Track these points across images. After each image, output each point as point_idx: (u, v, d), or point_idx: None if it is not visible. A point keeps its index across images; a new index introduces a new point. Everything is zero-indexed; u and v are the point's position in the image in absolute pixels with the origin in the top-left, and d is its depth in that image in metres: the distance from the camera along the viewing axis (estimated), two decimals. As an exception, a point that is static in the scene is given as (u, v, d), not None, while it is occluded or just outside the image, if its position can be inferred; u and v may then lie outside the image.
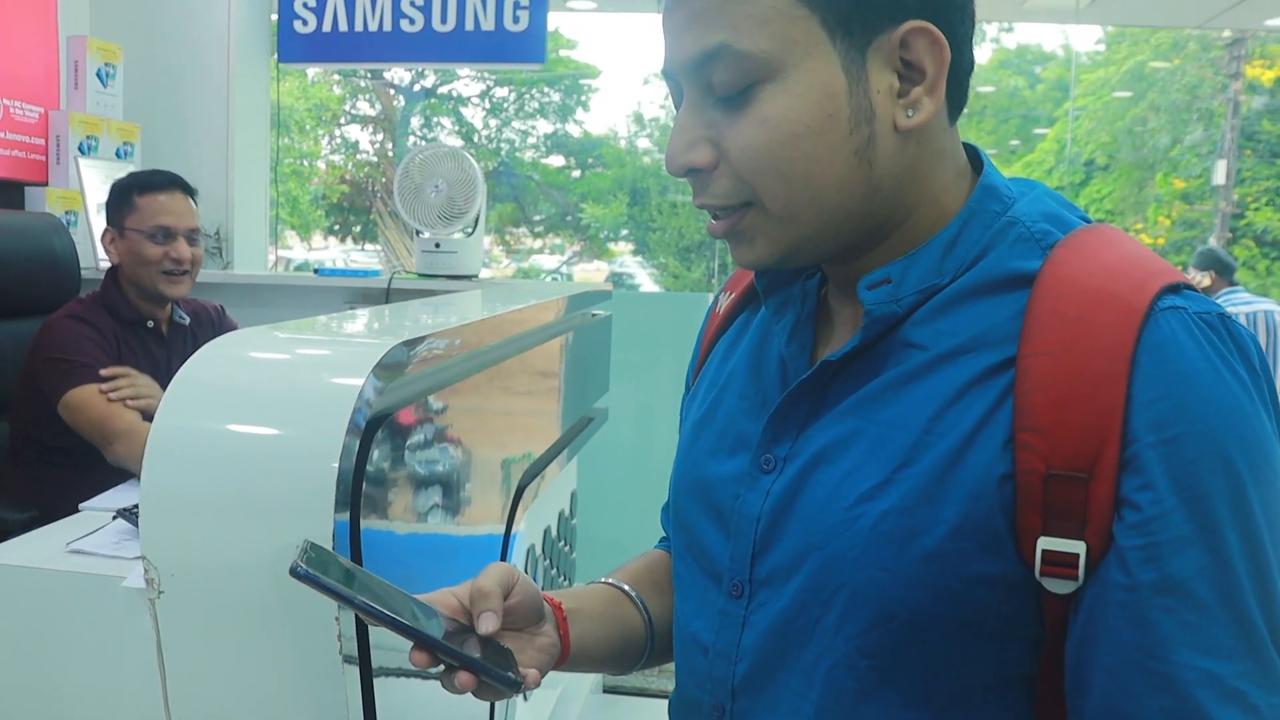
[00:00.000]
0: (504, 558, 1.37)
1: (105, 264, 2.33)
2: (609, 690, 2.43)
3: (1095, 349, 0.66)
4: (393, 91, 13.33)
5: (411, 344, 0.96)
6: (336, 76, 12.56)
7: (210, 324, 2.45)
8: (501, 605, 0.77)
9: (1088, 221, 0.76)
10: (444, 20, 3.64)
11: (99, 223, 2.56)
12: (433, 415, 1.06)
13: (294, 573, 0.68)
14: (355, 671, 0.85)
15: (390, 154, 13.12)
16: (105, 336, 2.17)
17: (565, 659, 0.86)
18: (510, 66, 3.70)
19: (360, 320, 1.24)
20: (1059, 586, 0.67)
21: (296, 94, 12.07)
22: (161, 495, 0.82)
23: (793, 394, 0.78)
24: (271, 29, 3.85)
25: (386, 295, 3.15)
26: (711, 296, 1.03)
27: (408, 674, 0.95)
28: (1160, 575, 0.63)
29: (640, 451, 3.49)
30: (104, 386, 2.06)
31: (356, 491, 0.83)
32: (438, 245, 3.11)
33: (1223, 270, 5.20)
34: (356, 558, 0.84)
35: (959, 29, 0.73)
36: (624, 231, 13.38)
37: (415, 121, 13.50)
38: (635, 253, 13.31)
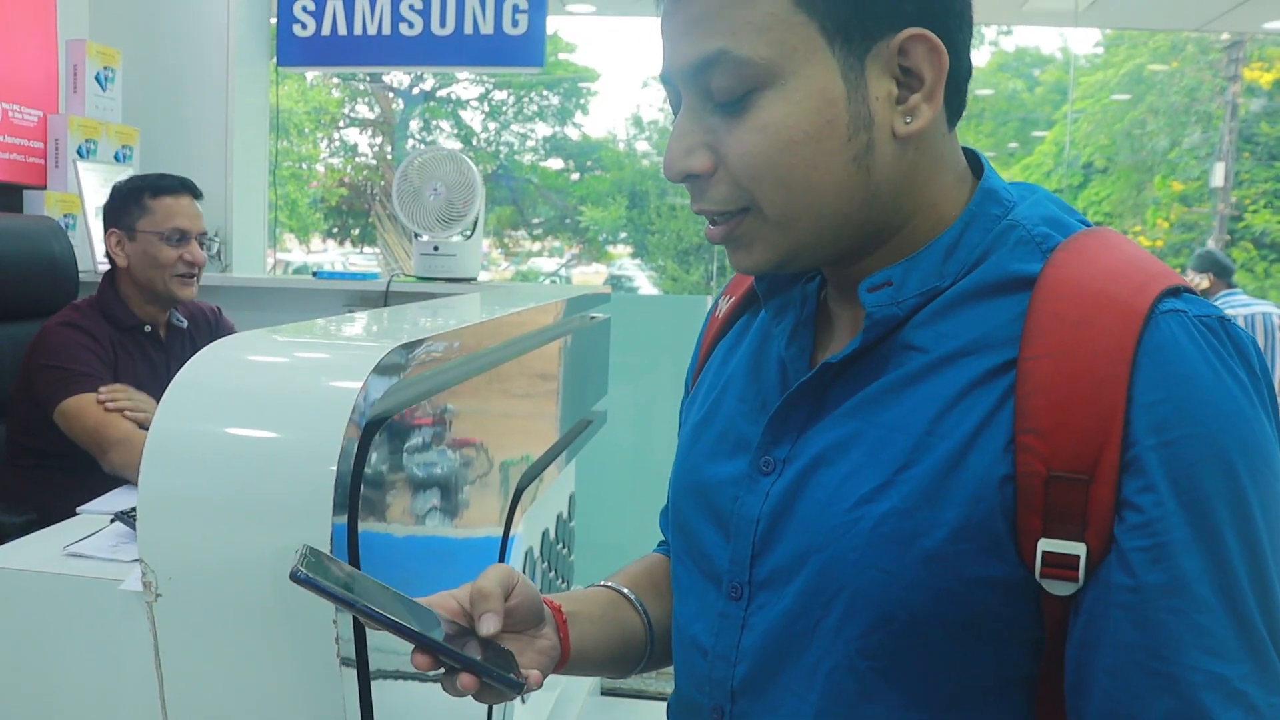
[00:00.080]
0: (502, 560, 1.37)
1: (104, 267, 2.32)
2: (607, 692, 2.43)
3: (1096, 351, 0.66)
4: (391, 95, 13.34)
5: (410, 347, 0.96)
6: (335, 80, 12.56)
7: (208, 326, 2.45)
8: (502, 606, 0.77)
9: (1087, 225, 0.77)
10: (443, 24, 3.65)
11: (98, 226, 2.56)
12: (431, 418, 1.06)
13: (294, 577, 0.68)
14: (353, 674, 0.85)
15: (389, 157, 13.12)
16: (101, 344, 2.16)
17: (565, 661, 0.86)
18: (509, 70, 3.70)
19: (358, 323, 1.24)
20: (1059, 588, 0.67)
21: (295, 97, 12.08)
22: (159, 498, 0.82)
23: (792, 396, 0.78)
24: (270, 33, 3.85)
25: (385, 298, 3.15)
26: (710, 299, 1.03)
27: (405, 676, 0.95)
28: (1166, 577, 0.64)
29: (639, 454, 3.49)
30: (101, 396, 2.06)
31: (355, 494, 0.83)
32: (436, 248, 3.12)
33: (1221, 272, 5.20)
34: (354, 560, 0.84)
35: (957, 35, 0.73)
36: (623, 234, 13.38)
37: (414, 125, 13.50)
38: (634, 255, 13.32)
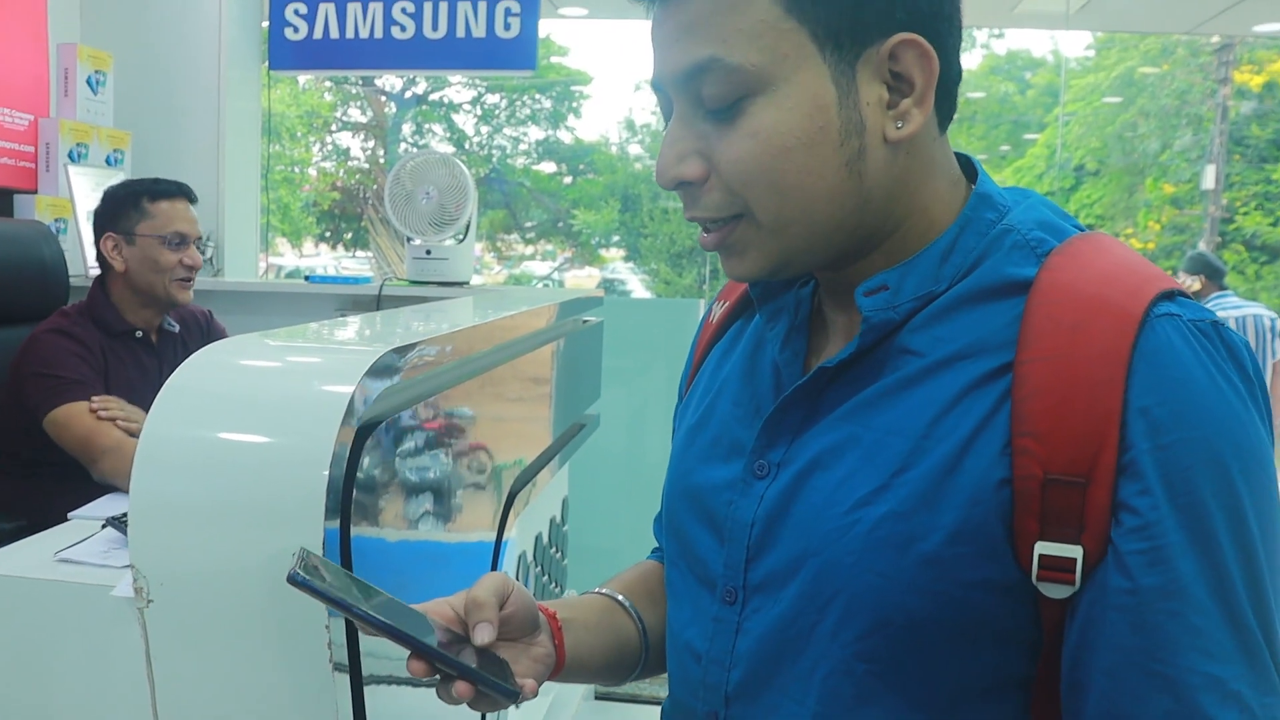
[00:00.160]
0: (495, 564, 1.37)
1: (95, 272, 2.31)
2: (601, 697, 2.43)
3: (1092, 355, 0.66)
4: (384, 98, 13.33)
5: (402, 351, 0.96)
6: (328, 83, 12.55)
7: (199, 329, 2.44)
8: (497, 615, 0.77)
9: (1081, 229, 0.77)
10: (435, 27, 3.64)
11: (89, 230, 2.55)
12: (424, 422, 1.05)
13: (292, 580, 0.67)
14: (345, 679, 0.85)
15: (382, 161, 13.11)
16: (91, 350, 2.15)
17: (560, 669, 0.86)
18: (501, 73, 3.70)
19: (351, 327, 1.24)
20: (1056, 591, 0.67)
21: (288, 101, 12.07)
22: (151, 503, 0.81)
23: (788, 400, 0.78)
24: (262, 36, 3.84)
25: (378, 302, 3.14)
26: (703, 303, 1.03)
27: (398, 681, 0.95)
28: (1163, 580, 0.64)
29: (632, 458, 3.49)
30: (94, 405, 2.05)
31: (347, 499, 0.83)
32: (429, 252, 3.11)
33: (1213, 274, 5.22)
34: (347, 565, 0.84)
35: (947, 40, 0.73)
36: (615, 238, 13.38)
37: (407, 128, 13.50)
38: (627, 259, 13.32)
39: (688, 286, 12.21)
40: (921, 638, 0.70)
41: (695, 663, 0.82)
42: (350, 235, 13.21)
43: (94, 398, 2.06)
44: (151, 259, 2.22)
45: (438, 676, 0.73)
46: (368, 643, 0.86)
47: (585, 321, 2.15)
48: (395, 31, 3.67)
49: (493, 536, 1.36)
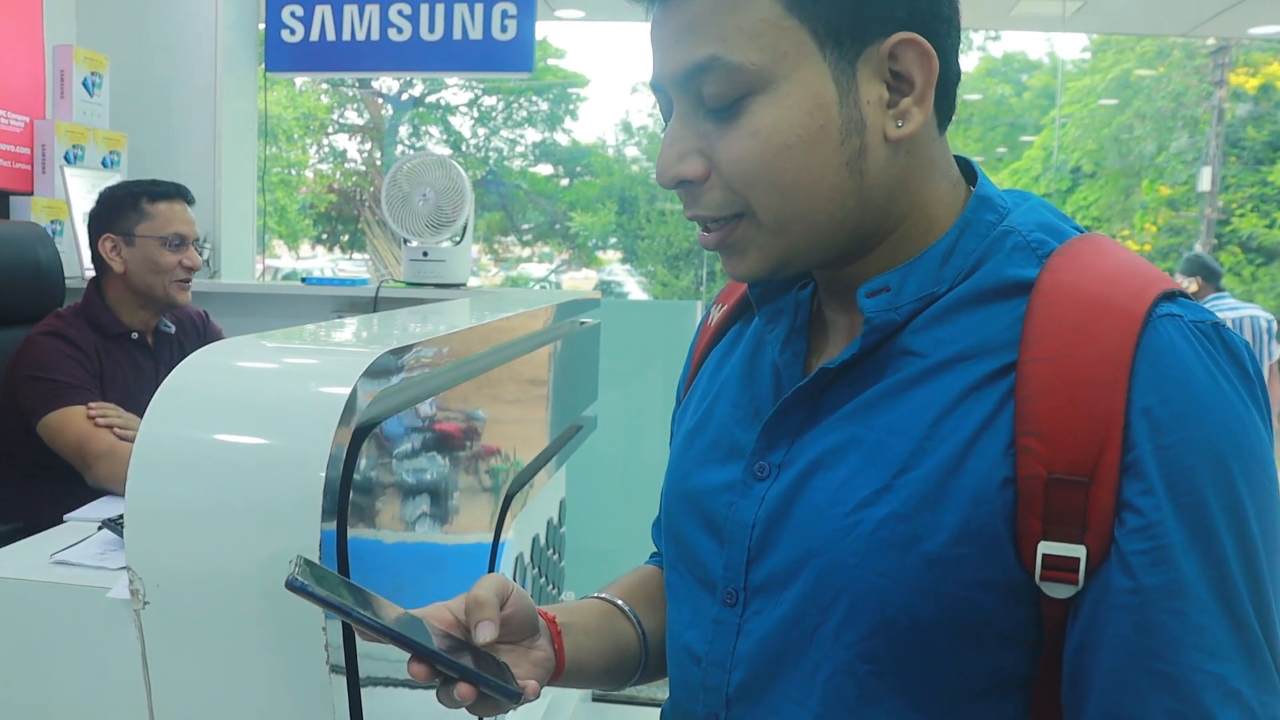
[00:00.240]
0: (492, 566, 1.37)
1: (91, 273, 2.31)
2: (598, 699, 2.43)
3: (1095, 355, 0.66)
4: (381, 100, 13.34)
5: (399, 352, 0.96)
6: (324, 86, 12.55)
7: (195, 331, 2.43)
8: (498, 615, 0.76)
9: (1081, 231, 0.77)
10: (432, 29, 3.64)
11: (85, 232, 2.55)
12: (420, 423, 1.05)
13: (290, 586, 0.67)
14: (342, 681, 0.84)
15: (378, 163, 13.12)
16: (86, 353, 2.14)
17: (560, 673, 0.85)
18: (498, 75, 3.70)
19: (348, 329, 1.24)
20: (1059, 591, 0.67)
21: (284, 103, 12.07)
22: (147, 505, 0.81)
23: (789, 401, 0.78)
24: (259, 38, 3.84)
25: (374, 304, 3.14)
26: (700, 305, 1.03)
27: (395, 683, 0.94)
28: (1166, 579, 0.64)
29: (629, 460, 3.49)
30: (91, 411, 2.04)
31: (344, 500, 0.83)
32: (426, 254, 3.11)
33: (1209, 276, 5.23)
34: (344, 567, 0.84)
35: (945, 40, 0.74)
36: (612, 240, 13.41)
37: (403, 130, 13.51)
38: (624, 261, 13.34)
39: (685, 288, 12.23)
40: (924, 638, 0.70)
41: (695, 665, 0.82)
42: (347, 237, 13.22)
43: (91, 404, 2.06)
44: (151, 260, 2.21)
45: (438, 680, 0.73)
46: (365, 644, 0.85)
47: (582, 323, 2.15)
48: (392, 33, 3.66)
49: (490, 538, 1.35)
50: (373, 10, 3.65)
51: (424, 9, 3.63)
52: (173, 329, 2.36)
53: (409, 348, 0.99)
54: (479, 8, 3.60)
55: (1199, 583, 0.64)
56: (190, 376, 0.86)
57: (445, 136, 13.43)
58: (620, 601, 0.96)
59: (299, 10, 3.68)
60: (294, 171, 13.29)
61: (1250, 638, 0.65)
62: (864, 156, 0.72)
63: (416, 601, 0.78)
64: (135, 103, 3.50)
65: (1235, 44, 11.10)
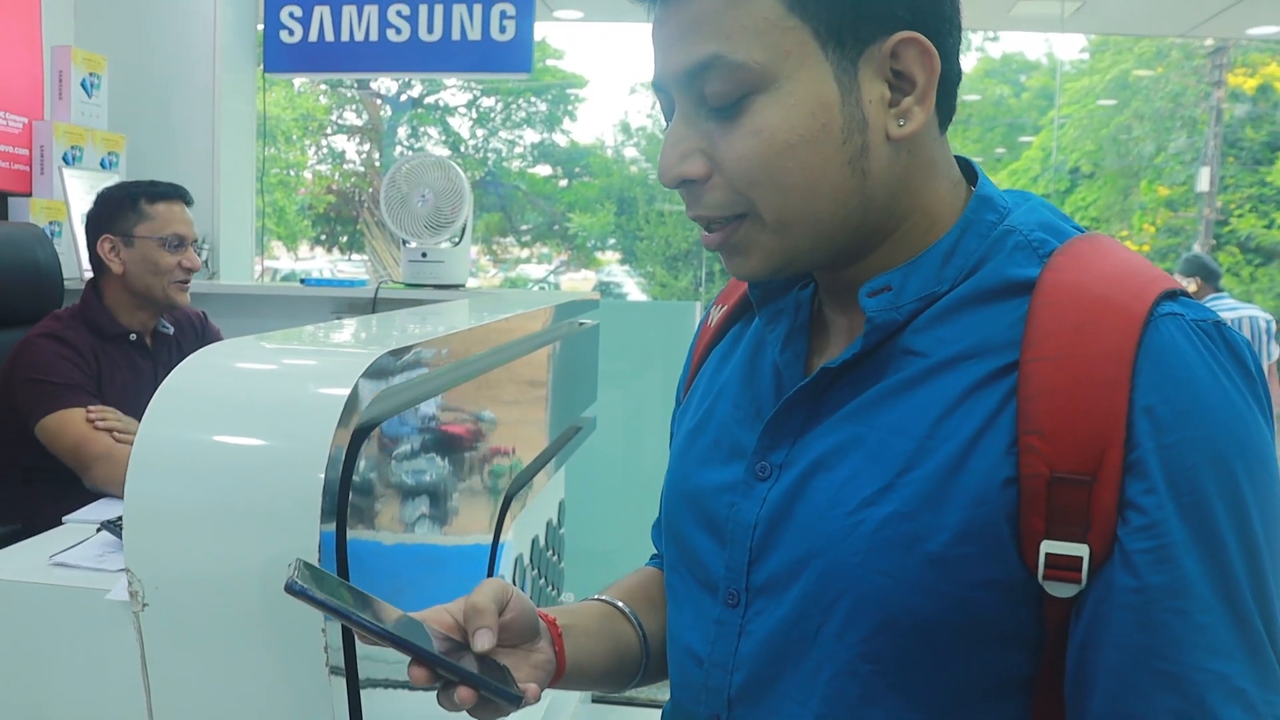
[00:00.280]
0: (492, 567, 1.36)
1: (89, 274, 2.30)
2: (597, 700, 2.42)
3: (1098, 354, 0.66)
4: (379, 101, 13.34)
5: (398, 353, 0.95)
6: (323, 86, 12.55)
7: (194, 331, 2.43)
8: (496, 622, 0.76)
9: (1082, 231, 0.77)
10: (430, 30, 3.64)
11: (83, 233, 2.54)
12: (420, 425, 1.05)
13: (290, 590, 0.67)
14: (342, 683, 0.84)
15: (377, 164, 13.12)
16: (83, 355, 2.13)
17: (560, 676, 0.85)
18: (497, 76, 3.70)
19: (347, 330, 1.24)
20: (1061, 590, 0.67)
21: (283, 104, 12.07)
22: (146, 507, 0.81)
23: (790, 401, 0.78)
24: (257, 39, 3.84)
25: (373, 305, 3.14)
26: (699, 305, 1.03)
27: (394, 685, 0.94)
28: (1169, 578, 0.64)
29: (628, 461, 3.49)
30: (91, 415, 2.04)
31: (343, 502, 0.83)
32: (424, 255, 3.11)
33: (1208, 276, 5.24)
34: (343, 568, 0.84)
35: (946, 40, 0.74)
36: (611, 240, 13.40)
37: (402, 131, 13.51)
38: (622, 261, 13.33)
39: (684, 289, 12.23)
40: (927, 638, 0.70)
41: (697, 666, 0.82)
42: (346, 238, 13.21)
43: (91, 408, 2.05)
44: (151, 261, 2.21)
45: (438, 683, 0.73)
46: (364, 646, 0.85)
47: (581, 324, 2.15)
48: (390, 34, 3.66)
49: (489, 539, 1.35)
50: (371, 11, 3.65)
51: (422, 10, 3.63)
52: (171, 330, 2.35)
53: (408, 349, 0.99)
54: (477, 8, 3.60)
55: (1202, 581, 0.64)
56: (189, 378, 0.86)
57: (444, 137, 13.43)
58: (621, 603, 0.96)
59: (297, 11, 3.68)
60: (293, 172, 13.29)
61: (1253, 636, 0.65)
62: (866, 156, 0.72)
63: (416, 603, 0.77)
64: (134, 104, 3.50)
65: (1233, 44, 11.11)
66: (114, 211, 2.23)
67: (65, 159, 3.18)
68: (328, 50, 3.70)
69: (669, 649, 0.89)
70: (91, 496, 1.74)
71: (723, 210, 0.74)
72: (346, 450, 0.84)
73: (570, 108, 13.39)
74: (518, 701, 0.74)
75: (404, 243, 3.13)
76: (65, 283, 2.52)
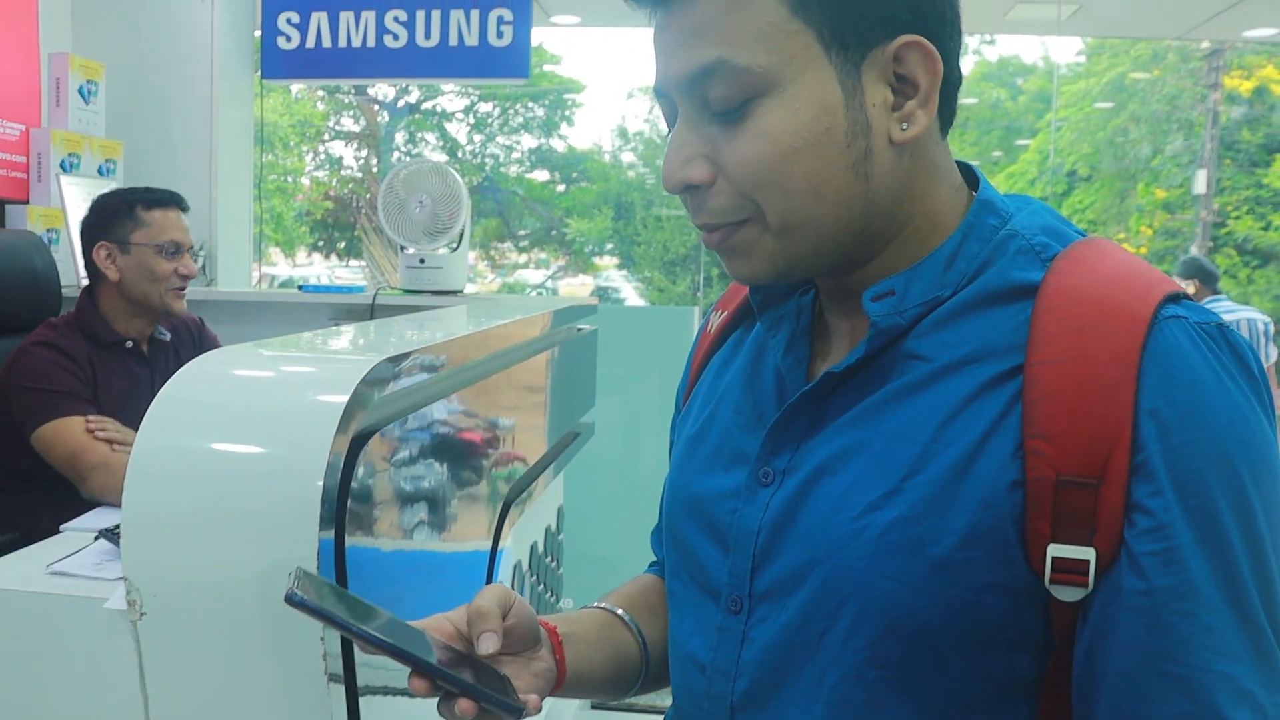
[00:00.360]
0: (490, 574, 1.36)
1: (85, 282, 2.30)
2: (596, 707, 2.42)
3: (1102, 357, 0.67)
4: (377, 107, 13.33)
5: (396, 360, 0.95)
6: (320, 93, 12.55)
7: (191, 338, 2.42)
8: (501, 625, 0.76)
9: (1083, 235, 0.78)
10: (428, 36, 3.65)
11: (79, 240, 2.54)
12: (418, 431, 1.05)
13: (290, 600, 0.67)
14: (340, 691, 0.84)
15: (375, 170, 13.11)
16: (79, 363, 2.12)
17: (561, 684, 0.85)
18: (494, 81, 3.71)
19: (345, 336, 1.24)
20: (1068, 594, 0.67)
21: (280, 110, 12.06)
22: (144, 515, 0.81)
23: (793, 406, 0.78)
24: (255, 45, 3.84)
25: (371, 311, 3.14)
26: (697, 311, 1.03)
27: (393, 693, 0.94)
28: (1176, 580, 0.64)
29: (627, 466, 3.48)
30: (90, 425, 2.03)
31: (341, 509, 0.83)
32: (422, 261, 3.11)
33: (1207, 279, 5.24)
34: (342, 576, 0.83)
35: (948, 44, 0.74)
36: (609, 245, 13.40)
37: (399, 137, 13.50)
38: (620, 267, 13.32)
39: (681, 294, 12.22)
40: (933, 642, 0.70)
41: (699, 673, 0.81)
42: (344, 244, 13.21)
43: (90, 418, 2.04)
44: (147, 268, 2.20)
45: (439, 694, 0.72)
46: (363, 654, 0.85)
47: (579, 329, 2.15)
48: (388, 40, 3.67)
49: (488, 546, 1.35)
50: (369, 17, 3.66)
51: (420, 16, 3.64)
52: (168, 337, 2.35)
53: (406, 355, 0.98)
54: (475, 14, 3.61)
55: (1209, 583, 0.64)
56: (187, 385, 0.86)
57: (441, 143, 13.43)
58: (621, 611, 0.95)
59: (295, 17, 3.68)
60: (290, 179, 13.28)
61: (1260, 638, 0.65)
62: (869, 160, 0.72)
63: (415, 609, 0.77)
64: (131, 110, 3.50)
65: (1229, 47, 11.12)
66: (110, 219, 2.23)
67: (63, 166, 3.18)
68: (325, 57, 3.70)
69: (671, 656, 0.88)
70: (89, 505, 1.73)
71: (727, 216, 0.74)
72: (345, 457, 0.83)
73: (567, 113, 13.39)
74: (518, 713, 0.74)
75: (402, 249, 3.12)
76: (63, 290, 2.52)
